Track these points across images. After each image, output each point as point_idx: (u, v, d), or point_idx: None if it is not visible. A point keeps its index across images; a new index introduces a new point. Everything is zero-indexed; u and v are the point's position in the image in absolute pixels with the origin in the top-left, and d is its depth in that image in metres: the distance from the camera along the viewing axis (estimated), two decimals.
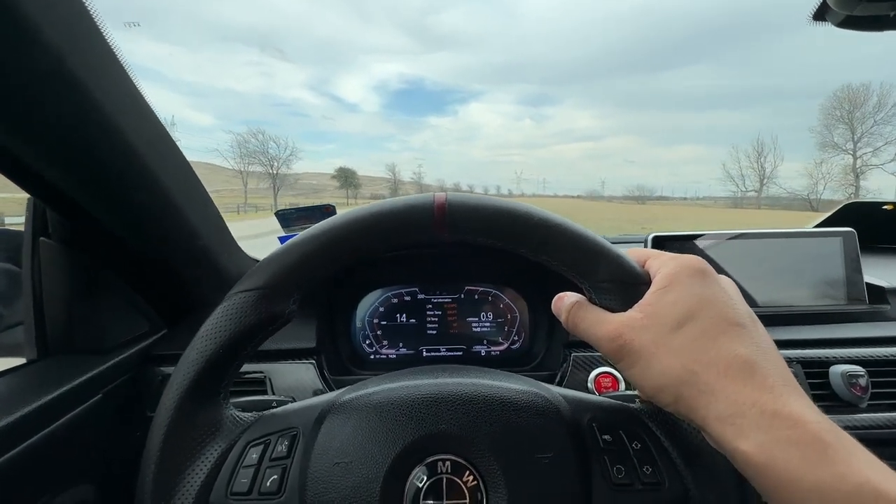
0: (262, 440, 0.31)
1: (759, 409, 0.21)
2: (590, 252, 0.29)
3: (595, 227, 0.93)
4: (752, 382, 0.21)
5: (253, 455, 0.30)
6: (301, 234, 0.31)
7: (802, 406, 0.21)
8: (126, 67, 0.40)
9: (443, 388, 0.31)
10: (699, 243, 0.65)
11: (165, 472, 0.28)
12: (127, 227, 0.47)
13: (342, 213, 0.32)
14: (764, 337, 0.24)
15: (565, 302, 0.31)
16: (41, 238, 0.46)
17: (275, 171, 61.44)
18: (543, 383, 0.34)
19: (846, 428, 0.56)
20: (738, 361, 0.22)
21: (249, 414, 0.33)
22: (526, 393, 0.31)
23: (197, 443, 0.30)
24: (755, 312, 0.68)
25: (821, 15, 0.39)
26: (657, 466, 0.28)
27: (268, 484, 0.29)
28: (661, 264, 0.27)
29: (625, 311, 0.27)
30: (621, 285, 0.28)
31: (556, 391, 0.32)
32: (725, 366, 0.22)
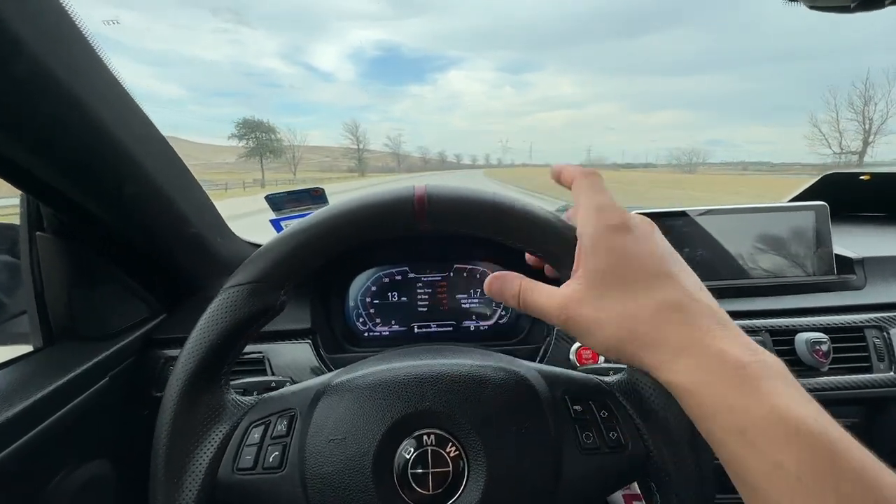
0: (262, 421, 0.33)
1: (690, 349, 0.23)
2: (563, 240, 0.30)
3: None
4: (683, 328, 0.24)
5: (255, 435, 0.33)
6: (288, 229, 0.33)
7: (730, 343, 0.23)
8: (106, 60, 0.40)
9: (426, 368, 0.34)
10: (679, 220, 0.67)
11: (175, 454, 0.31)
12: (119, 218, 0.49)
13: (326, 207, 0.33)
14: (691, 280, 0.26)
15: (511, 284, 0.31)
16: (37, 232, 0.47)
17: None
18: (522, 360, 0.36)
19: (809, 390, 0.61)
20: (667, 311, 0.24)
21: (249, 397, 0.35)
22: (504, 370, 0.34)
23: (202, 425, 0.32)
24: (729, 286, 0.71)
25: None
26: (621, 431, 0.31)
27: (270, 460, 0.32)
28: (582, 225, 0.28)
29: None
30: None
31: (532, 368, 0.35)
32: (657, 318, 0.24)
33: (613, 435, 0.31)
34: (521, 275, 0.31)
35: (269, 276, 0.32)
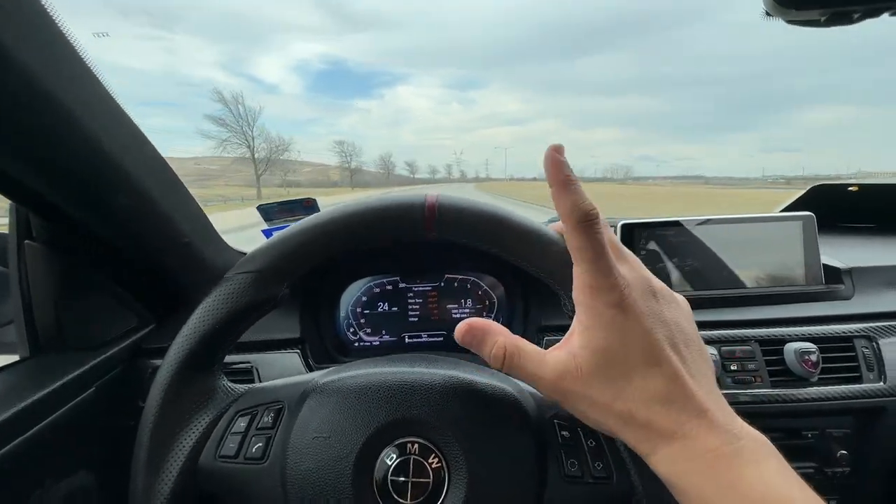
0: (250, 410, 0.34)
1: (671, 438, 0.24)
2: (565, 262, 0.30)
3: None
4: (667, 418, 0.24)
5: (241, 423, 0.33)
6: (298, 224, 0.33)
7: (709, 431, 0.24)
8: (95, 72, 0.40)
9: (418, 377, 0.33)
10: (670, 230, 0.68)
11: (161, 434, 0.31)
12: (110, 229, 0.49)
13: (336, 206, 0.34)
14: (684, 364, 0.25)
15: (491, 341, 0.28)
16: (26, 241, 0.47)
17: None
18: (515, 379, 0.36)
19: (798, 401, 0.60)
20: (655, 400, 0.25)
21: (240, 385, 0.36)
22: (496, 387, 0.33)
23: (190, 409, 0.33)
24: (718, 295, 0.69)
25: (769, 14, 0.41)
26: (607, 463, 0.31)
27: (253, 450, 0.32)
28: (577, 293, 0.27)
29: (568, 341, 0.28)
30: None
31: (525, 388, 0.35)
32: (647, 405, 0.25)
33: (599, 465, 0.31)
34: (503, 329, 0.29)
35: (274, 267, 0.33)
